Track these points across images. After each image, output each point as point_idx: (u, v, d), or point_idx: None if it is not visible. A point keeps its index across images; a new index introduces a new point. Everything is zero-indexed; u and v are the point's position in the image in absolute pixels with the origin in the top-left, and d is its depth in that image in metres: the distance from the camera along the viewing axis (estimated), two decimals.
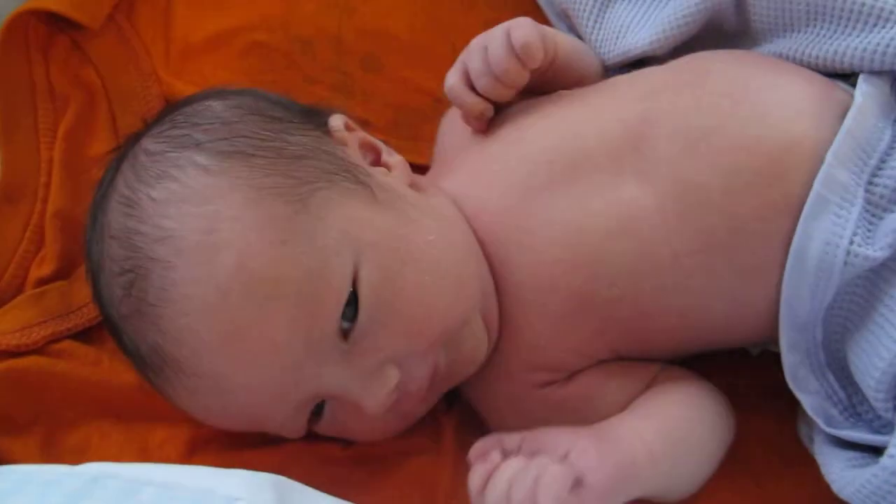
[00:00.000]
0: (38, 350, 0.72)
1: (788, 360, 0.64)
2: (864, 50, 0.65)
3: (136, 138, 0.65)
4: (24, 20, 0.81)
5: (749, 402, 0.69)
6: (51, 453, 0.69)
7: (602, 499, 0.56)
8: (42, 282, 0.76)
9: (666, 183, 0.64)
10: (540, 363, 0.66)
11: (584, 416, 0.64)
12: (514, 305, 0.66)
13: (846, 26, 0.66)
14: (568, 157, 0.66)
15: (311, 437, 0.66)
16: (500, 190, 0.67)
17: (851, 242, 0.60)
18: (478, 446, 0.58)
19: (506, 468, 0.56)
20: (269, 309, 0.57)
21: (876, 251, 0.60)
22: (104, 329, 0.73)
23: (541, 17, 0.87)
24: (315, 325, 0.59)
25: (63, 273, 0.77)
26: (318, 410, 0.63)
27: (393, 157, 0.69)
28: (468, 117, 0.71)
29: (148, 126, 0.66)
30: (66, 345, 0.73)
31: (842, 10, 0.66)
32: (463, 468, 0.59)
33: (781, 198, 0.62)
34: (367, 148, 0.69)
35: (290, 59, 0.84)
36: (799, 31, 0.69)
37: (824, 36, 0.67)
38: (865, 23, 0.65)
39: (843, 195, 0.61)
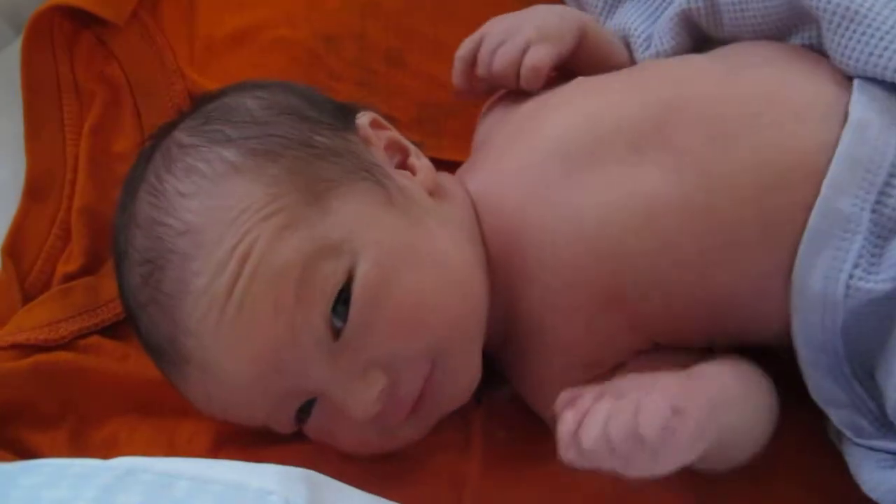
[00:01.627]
0: (65, 345, 0.72)
1: (811, 377, 0.62)
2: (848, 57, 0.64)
3: (170, 128, 0.66)
4: (49, 16, 0.82)
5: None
6: (79, 448, 0.69)
7: (701, 425, 0.53)
8: (69, 277, 0.77)
9: (692, 174, 0.62)
10: (576, 362, 0.65)
11: None
12: (540, 308, 0.65)
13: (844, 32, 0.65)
14: (585, 146, 0.65)
15: None
16: (516, 187, 0.67)
17: (851, 276, 0.59)
18: (564, 396, 0.56)
19: (599, 407, 0.53)
20: (258, 291, 0.58)
21: (878, 284, 0.59)
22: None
23: None
24: (299, 312, 0.59)
25: (90, 268, 0.77)
26: (307, 408, 0.63)
27: (420, 161, 0.69)
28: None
29: (182, 116, 0.66)
30: (94, 340, 0.73)
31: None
32: (491, 463, 0.59)
33: (807, 198, 0.61)
34: (394, 148, 0.68)
35: (313, 55, 0.84)
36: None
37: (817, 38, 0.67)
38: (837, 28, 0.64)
39: (844, 227, 0.60)
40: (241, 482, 0.45)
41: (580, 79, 0.72)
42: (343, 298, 0.59)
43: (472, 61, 0.74)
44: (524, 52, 0.72)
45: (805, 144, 0.62)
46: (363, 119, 0.68)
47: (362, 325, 0.60)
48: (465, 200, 0.68)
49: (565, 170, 0.65)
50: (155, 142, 0.66)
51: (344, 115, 0.68)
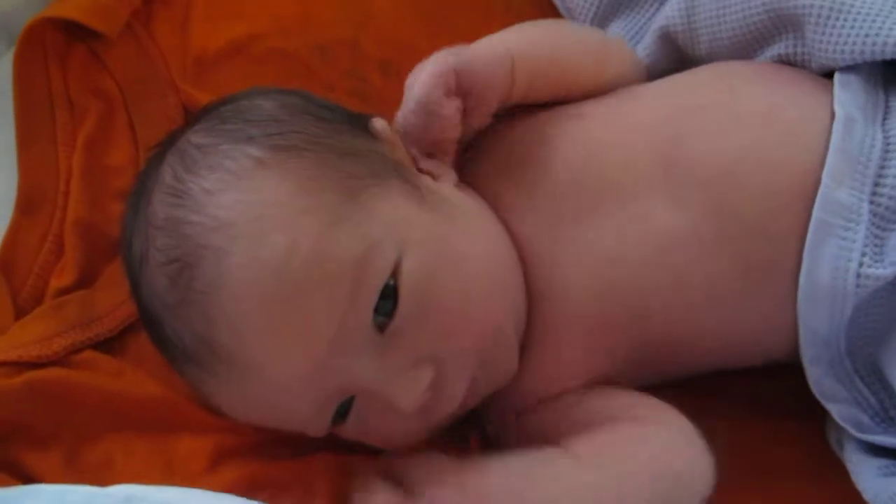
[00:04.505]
0: (58, 361, 0.71)
1: (812, 373, 0.63)
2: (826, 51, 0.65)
3: (178, 134, 0.65)
4: (42, 29, 0.81)
5: (775, 408, 0.69)
6: (74, 467, 0.68)
7: None
8: (62, 292, 0.76)
9: (701, 209, 0.63)
10: (545, 384, 0.66)
11: (556, 437, 0.64)
12: (535, 330, 0.66)
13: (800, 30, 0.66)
14: (596, 187, 0.66)
15: (337, 448, 0.66)
16: (526, 220, 0.67)
17: (861, 265, 0.60)
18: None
19: None
20: (312, 290, 0.58)
21: (886, 269, 0.60)
22: (126, 338, 0.74)
23: None
24: (351, 310, 0.58)
25: (83, 283, 0.76)
26: (342, 411, 0.63)
27: (431, 164, 0.68)
28: None
29: (191, 122, 0.66)
30: (88, 355, 0.72)
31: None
32: None
33: (807, 209, 0.61)
34: (408, 155, 0.68)
35: (307, 65, 0.84)
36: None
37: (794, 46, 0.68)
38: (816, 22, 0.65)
39: (846, 216, 0.61)
40: None
41: (583, 110, 0.71)
42: (385, 294, 0.59)
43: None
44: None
45: (802, 156, 0.63)
46: (382, 123, 0.68)
47: (409, 321, 0.60)
48: (482, 201, 0.68)
49: (577, 210, 0.66)
50: (165, 146, 0.65)
51: (355, 122, 0.68)
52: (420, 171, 0.67)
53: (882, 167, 0.61)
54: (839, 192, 0.61)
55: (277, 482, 0.65)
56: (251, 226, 0.58)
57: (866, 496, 0.61)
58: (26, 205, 0.79)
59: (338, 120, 0.66)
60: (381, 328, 0.60)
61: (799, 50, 0.68)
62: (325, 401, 0.62)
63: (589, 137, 0.69)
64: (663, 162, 0.65)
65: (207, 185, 0.60)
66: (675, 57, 0.76)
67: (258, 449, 0.67)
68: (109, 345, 0.74)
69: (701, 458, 0.63)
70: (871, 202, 0.61)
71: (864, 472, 0.62)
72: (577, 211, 0.66)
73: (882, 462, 0.61)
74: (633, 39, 0.78)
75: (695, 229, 0.63)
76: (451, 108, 0.65)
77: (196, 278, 0.59)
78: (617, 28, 0.79)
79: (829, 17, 0.65)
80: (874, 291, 0.60)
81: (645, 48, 0.77)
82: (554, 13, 0.86)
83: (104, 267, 0.77)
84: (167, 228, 0.61)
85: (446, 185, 0.67)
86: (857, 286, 0.60)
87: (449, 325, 0.60)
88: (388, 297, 0.59)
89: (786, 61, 0.70)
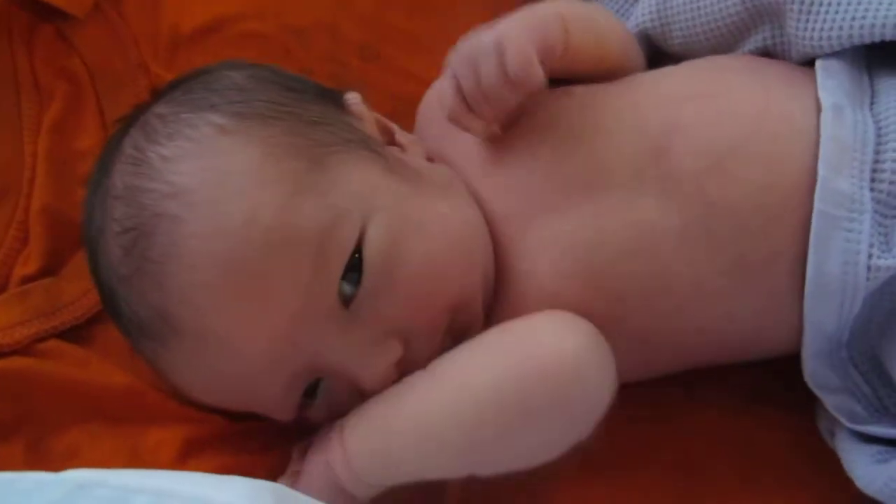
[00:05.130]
0: (22, 350, 0.70)
1: (808, 363, 0.62)
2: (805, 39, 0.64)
3: (144, 108, 0.64)
4: (6, 9, 0.79)
5: (765, 398, 0.69)
6: (37, 458, 0.67)
7: None
8: (27, 279, 0.74)
9: (691, 204, 0.62)
10: None
11: None
12: (510, 308, 0.64)
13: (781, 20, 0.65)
14: (581, 171, 0.64)
15: (308, 436, 0.64)
16: (505, 199, 0.66)
17: (870, 256, 0.59)
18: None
19: None
20: (274, 261, 0.57)
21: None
22: (93, 327, 0.72)
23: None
24: (316, 281, 0.58)
25: (49, 270, 0.74)
26: (310, 391, 0.62)
27: (406, 137, 0.68)
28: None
29: (157, 96, 0.65)
30: (53, 344, 0.71)
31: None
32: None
33: (806, 215, 0.60)
34: (381, 129, 0.68)
35: (284, 48, 0.82)
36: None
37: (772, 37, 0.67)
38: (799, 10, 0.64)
39: (849, 206, 0.59)
40: (206, 496, 0.42)
41: (577, 92, 0.69)
42: (350, 266, 0.58)
43: (467, 107, 0.64)
44: (502, 56, 0.61)
45: (797, 148, 0.61)
46: (353, 97, 0.67)
47: (375, 293, 0.59)
48: (449, 169, 0.67)
49: (558, 191, 0.64)
50: (129, 121, 0.64)
51: (329, 95, 0.67)
52: (392, 144, 0.67)
53: (878, 152, 0.60)
54: (838, 181, 0.59)
55: (247, 474, 0.62)
56: (210, 192, 0.57)
57: (859, 483, 0.60)
58: None
59: (307, 91, 0.65)
60: (346, 303, 0.59)
61: (777, 41, 0.68)
62: (291, 381, 0.60)
63: (580, 121, 0.67)
64: (654, 151, 0.63)
65: (166, 153, 0.59)
66: (653, 53, 0.75)
67: (227, 440, 0.66)
68: (75, 334, 0.72)
69: (580, 347, 0.59)
70: (872, 189, 0.60)
71: (857, 460, 0.61)
72: (559, 193, 0.64)
73: (875, 449, 0.61)
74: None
75: (682, 222, 0.62)
76: (542, 78, 0.61)
77: (151, 247, 0.58)
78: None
79: (811, 4, 0.64)
80: (882, 283, 0.59)
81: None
82: None
83: (71, 255, 0.75)
84: (125, 197, 0.60)
85: (416, 157, 0.66)
86: (868, 279, 0.59)
87: (415, 296, 0.60)
88: (354, 269, 0.58)
89: (762, 53, 0.69)
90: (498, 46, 0.60)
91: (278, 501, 0.44)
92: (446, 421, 0.58)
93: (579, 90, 0.69)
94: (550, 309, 0.62)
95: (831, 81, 0.63)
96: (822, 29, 0.64)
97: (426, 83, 0.80)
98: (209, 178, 0.58)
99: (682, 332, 0.63)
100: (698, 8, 0.69)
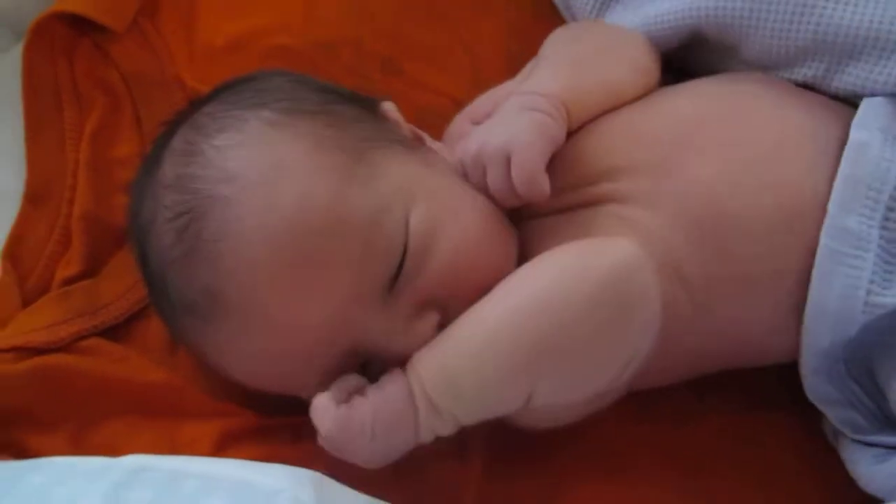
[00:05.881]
0: (65, 347, 0.72)
1: (808, 379, 0.64)
2: (876, 81, 0.66)
3: (190, 111, 0.66)
4: (50, 23, 0.82)
5: (771, 401, 0.70)
6: (79, 450, 0.69)
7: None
8: (68, 282, 0.77)
9: (698, 214, 0.64)
10: None
11: None
12: None
13: (850, 60, 0.67)
14: (602, 168, 0.66)
15: None
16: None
17: (868, 293, 0.61)
18: None
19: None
20: (326, 244, 0.59)
21: (894, 298, 0.61)
22: (131, 326, 0.74)
23: (558, 20, 0.89)
24: (367, 267, 0.60)
25: (89, 273, 0.77)
26: None
27: (436, 145, 0.71)
28: None
29: (202, 100, 0.67)
30: (93, 342, 0.73)
31: (846, 41, 0.66)
32: (491, 469, 0.61)
33: (814, 227, 0.63)
34: (413, 135, 0.70)
35: (311, 62, 0.85)
36: (795, 67, 0.70)
37: (822, 76, 0.68)
38: (878, 55, 0.66)
39: (855, 244, 0.61)
40: (250, 480, 0.45)
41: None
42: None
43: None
44: (508, 167, 0.63)
45: (807, 181, 0.63)
46: (389, 105, 0.70)
47: (416, 273, 0.61)
48: None
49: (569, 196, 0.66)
50: (173, 125, 0.66)
51: (364, 101, 0.69)
52: (423, 146, 0.69)
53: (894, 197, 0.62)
54: (847, 219, 0.61)
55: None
56: (263, 176, 0.59)
57: (860, 483, 0.62)
58: (34, 197, 0.80)
59: (345, 95, 0.68)
60: (390, 284, 0.61)
61: (825, 74, 0.69)
62: (337, 361, 0.62)
63: (594, 129, 0.69)
64: (668, 168, 0.65)
65: (217, 143, 0.61)
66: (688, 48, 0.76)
67: (260, 434, 0.68)
68: (115, 332, 0.75)
69: (636, 256, 0.60)
70: (883, 227, 0.62)
71: (859, 461, 0.63)
72: (570, 199, 0.67)
73: (876, 451, 0.63)
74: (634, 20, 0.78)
75: (698, 234, 0.63)
76: (546, 191, 0.63)
77: (204, 228, 0.59)
78: (619, 11, 0.79)
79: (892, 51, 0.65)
80: (879, 316, 0.61)
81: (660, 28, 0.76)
82: (551, 7, 0.87)
83: (109, 257, 0.78)
84: (176, 186, 0.61)
85: (446, 160, 0.69)
86: (864, 312, 0.61)
87: (452, 274, 0.61)
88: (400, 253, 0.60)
89: (802, 84, 0.70)
90: (506, 157, 0.63)
91: (317, 487, 0.47)
92: (507, 323, 0.59)
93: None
94: None
95: (868, 116, 0.65)
96: (867, 76, 0.66)
97: (446, 96, 0.83)
98: (262, 164, 0.59)
99: (700, 339, 0.65)
100: (792, 22, 0.69)
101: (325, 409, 0.59)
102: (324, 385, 0.62)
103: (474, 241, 0.62)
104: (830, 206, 0.62)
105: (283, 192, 0.59)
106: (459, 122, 0.77)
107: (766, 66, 0.71)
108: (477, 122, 0.74)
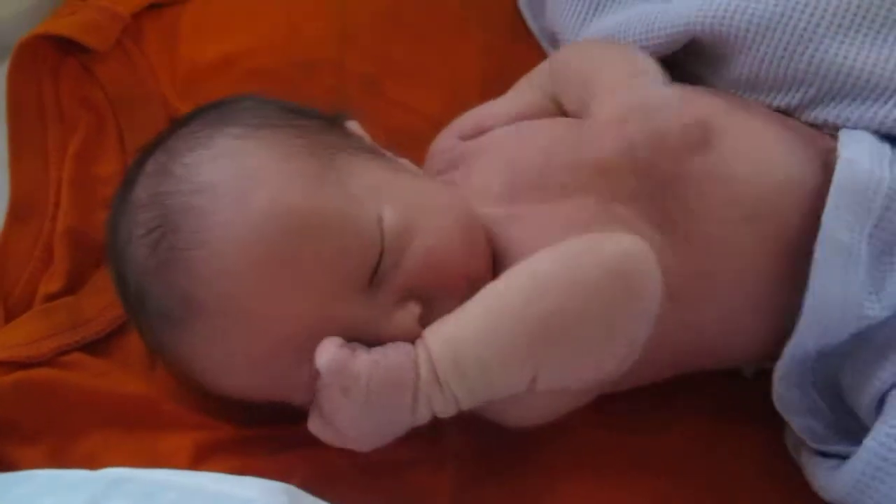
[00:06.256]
0: (47, 362, 0.73)
1: (778, 388, 0.66)
2: (860, 119, 0.68)
3: (163, 137, 0.67)
4: (35, 44, 0.84)
5: (737, 414, 0.72)
6: (60, 462, 0.69)
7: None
8: (51, 297, 0.78)
9: (687, 225, 0.65)
10: None
11: None
12: None
13: (835, 96, 0.69)
14: (582, 175, 0.67)
15: (315, 444, 0.66)
16: (507, 197, 0.69)
17: (861, 305, 0.63)
18: None
19: None
20: (302, 245, 0.60)
21: (882, 311, 0.63)
22: (112, 341, 0.75)
23: (534, 42, 0.91)
24: (343, 265, 0.61)
25: (71, 288, 0.78)
26: None
27: (400, 160, 0.72)
28: None
29: (174, 125, 0.69)
30: (75, 356, 0.74)
31: (837, 77, 0.68)
32: (464, 477, 0.61)
33: (788, 246, 0.65)
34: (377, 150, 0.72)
35: (293, 82, 0.87)
36: (788, 92, 0.71)
37: (807, 105, 0.70)
38: (864, 96, 0.68)
39: (847, 257, 0.63)
40: (227, 492, 0.46)
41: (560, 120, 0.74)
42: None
43: None
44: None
45: (795, 187, 0.66)
46: (353, 124, 0.72)
47: (394, 270, 0.62)
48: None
49: (550, 191, 0.68)
50: (148, 149, 0.67)
51: (327, 118, 0.71)
52: None
53: (887, 207, 0.64)
54: (840, 233, 0.63)
55: (257, 476, 0.67)
56: (234, 184, 0.60)
57: (820, 492, 0.65)
58: (18, 213, 0.81)
59: (311, 114, 0.69)
60: (370, 280, 0.62)
61: (808, 104, 0.71)
62: None
63: (580, 139, 0.71)
64: (661, 182, 0.66)
65: (187, 161, 0.62)
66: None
67: (238, 445, 0.69)
68: (96, 347, 0.76)
69: (641, 245, 0.62)
70: (870, 242, 0.64)
71: (817, 472, 0.66)
72: (550, 196, 0.68)
73: (832, 462, 0.65)
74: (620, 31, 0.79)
75: (676, 242, 0.65)
76: None
77: (178, 238, 0.60)
78: (605, 21, 0.81)
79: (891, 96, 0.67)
80: (864, 328, 0.64)
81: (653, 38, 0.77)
82: (526, 31, 0.89)
83: (91, 273, 0.79)
84: (149, 204, 0.62)
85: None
86: (858, 324, 0.64)
87: (430, 264, 0.62)
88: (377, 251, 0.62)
89: (777, 109, 0.72)
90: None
91: (291, 499, 0.48)
92: (515, 303, 0.60)
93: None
94: None
95: (852, 140, 0.67)
96: (885, 116, 0.67)
97: (424, 116, 0.86)
98: (232, 173, 0.61)
99: (667, 336, 0.65)
100: (779, 45, 0.70)
101: (326, 348, 0.59)
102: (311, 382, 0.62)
103: (448, 236, 0.64)
104: (824, 220, 0.63)
105: (254, 197, 0.60)
106: (446, 137, 0.78)
107: (752, 87, 0.73)
108: (465, 138, 0.76)
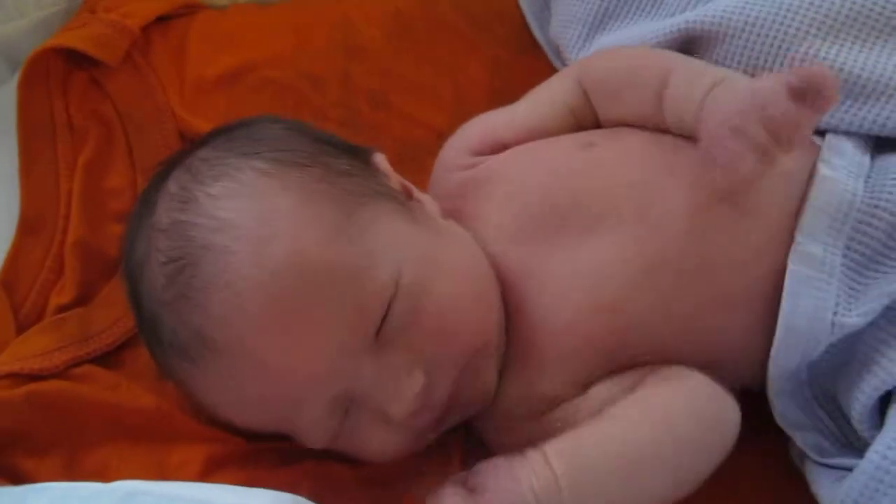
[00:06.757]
0: (58, 374, 0.74)
1: (777, 404, 0.67)
2: (841, 120, 0.69)
3: (185, 153, 0.68)
4: (45, 57, 0.84)
5: (746, 423, 0.70)
6: (72, 474, 0.70)
7: None
8: (61, 309, 0.78)
9: (687, 240, 0.66)
10: (536, 396, 0.68)
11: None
12: (524, 345, 0.68)
13: None
14: (595, 209, 0.68)
15: (322, 456, 0.68)
16: (524, 234, 0.70)
17: (835, 314, 0.64)
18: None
19: None
20: (318, 296, 0.60)
21: (859, 318, 0.63)
22: (123, 353, 0.76)
23: (540, 54, 0.91)
24: (358, 318, 0.61)
25: (82, 300, 0.79)
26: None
27: (423, 196, 0.72)
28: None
29: (197, 144, 0.69)
30: (86, 369, 0.75)
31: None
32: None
33: (781, 255, 0.65)
34: (402, 187, 0.72)
35: (300, 95, 0.87)
36: None
37: None
38: (854, 97, 0.69)
39: (819, 269, 0.64)
40: None
41: (583, 138, 0.74)
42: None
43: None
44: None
45: (775, 210, 0.66)
46: (380, 157, 0.72)
47: (406, 326, 0.62)
48: (464, 230, 0.71)
49: (577, 226, 0.68)
50: (169, 165, 0.68)
51: (355, 152, 0.71)
52: (410, 199, 0.70)
53: (859, 221, 0.65)
54: (812, 246, 0.64)
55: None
56: (256, 228, 0.61)
57: (822, 502, 0.65)
58: (28, 226, 0.82)
59: (338, 145, 0.69)
60: (376, 336, 0.62)
61: None
62: (331, 406, 0.64)
63: (594, 165, 0.71)
64: (648, 195, 0.68)
65: (212, 191, 0.62)
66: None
67: (246, 458, 0.69)
68: (106, 359, 0.76)
69: (727, 402, 0.65)
70: (845, 255, 0.65)
71: (822, 483, 0.66)
72: (577, 230, 0.68)
73: (836, 473, 0.65)
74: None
75: (681, 258, 0.66)
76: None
77: (196, 276, 0.61)
78: (607, 39, 0.82)
79: (879, 97, 0.69)
80: (844, 337, 0.64)
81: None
82: (534, 45, 0.90)
83: (101, 286, 0.80)
84: (170, 231, 0.63)
85: (433, 213, 0.70)
86: (832, 333, 0.64)
87: (441, 331, 0.63)
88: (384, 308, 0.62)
89: None
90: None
91: None
92: (651, 455, 0.62)
93: (596, 138, 0.74)
94: (565, 346, 0.67)
95: (834, 155, 0.67)
96: (864, 118, 0.69)
97: (431, 128, 0.86)
98: (254, 216, 0.61)
99: (678, 360, 0.67)
100: (765, 43, 0.72)
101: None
102: (318, 425, 0.64)
103: (461, 305, 0.64)
104: (797, 236, 0.65)
105: (273, 245, 0.60)
106: (455, 150, 0.78)
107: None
108: (476, 152, 0.76)
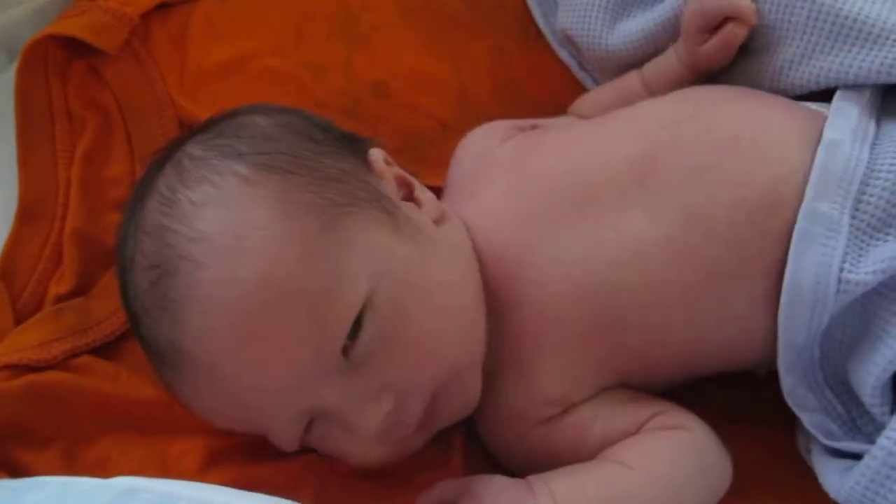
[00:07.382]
0: (57, 365, 0.74)
1: (786, 381, 0.67)
2: (850, 67, 0.69)
3: (180, 143, 0.67)
4: (44, 45, 0.84)
5: (750, 417, 0.72)
6: (71, 466, 0.70)
7: None
8: (60, 298, 0.78)
9: (672, 215, 0.66)
10: (541, 398, 0.68)
11: (576, 453, 0.67)
12: (518, 343, 0.68)
13: (835, 44, 0.70)
14: (577, 193, 0.69)
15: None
16: (508, 223, 0.70)
17: (842, 270, 0.63)
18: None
19: None
20: (284, 318, 0.60)
21: (867, 275, 0.63)
22: (122, 343, 0.76)
23: (544, 42, 0.91)
24: (325, 341, 0.61)
25: (81, 290, 0.79)
26: (308, 426, 0.65)
27: (424, 195, 0.71)
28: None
29: (193, 132, 0.68)
30: (85, 360, 0.75)
31: (834, 24, 0.70)
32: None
33: (779, 229, 0.65)
34: (401, 183, 0.71)
35: (301, 83, 0.87)
36: (785, 46, 0.73)
37: (808, 55, 0.71)
38: (862, 41, 0.69)
39: (827, 226, 0.64)
40: None
41: (572, 124, 0.75)
42: (354, 322, 0.62)
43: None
44: None
45: (771, 177, 0.66)
46: (377, 154, 0.70)
47: (377, 351, 0.62)
48: (461, 226, 0.71)
49: (559, 213, 0.69)
50: (165, 154, 0.67)
51: (349, 144, 0.70)
52: (409, 199, 0.70)
53: (866, 184, 0.65)
54: (821, 204, 0.64)
55: (266, 482, 0.67)
56: (229, 243, 0.61)
57: (831, 492, 0.65)
58: (26, 215, 0.81)
59: (330, 142, 0.68)
60: (345, 352, 0.62)
61: (809, 54, 0.72)
62: (295, 418, 0.64)
63: (576, 148, 0.72)
64: (639, 175, 0.68)
65: (193, 197, 0.62)
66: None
67: (247, 450, 0.69)
68: (106, 350, 0.76)
69: (724, 455, 0.68)
70: (853, 216, 0.64)
71: (830, 473, 0.65)
72: (559, 216, 0.69)
73: (843, 463, 0.65)
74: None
75: (667, 235, 0.66)
76: None
77: (172, 287, 0.61)
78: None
79: (885, 42, 0.69)
80: (851, 302, 0.64)
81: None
82: (538, 35, 0.89)
83: (101, 275, 0.79)
84: (153, 234, 0.63)
85: (428, 218, 0.69)
86: (838, 291, 0.63)
87: (416, 360, 0.63)
88: (357, 324, 0.62)
89: (782, 64, 0.73)
90: None
91: None
92: None
93: (575, 123, 0.75)
94: (560, 336, 0.67)
95: (840, 119, 0.68)
96: (872, 62, 0.68)
97: (433, 118, 0.85)
98: (229, 229, 0.61)
99: (677, 345, 0.67)
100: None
101: None
102: (287, 433, 0.65)
103: (439, 330, 0.64)
104: (808, 191, 0.65)
105: (244, 263, 0.60)
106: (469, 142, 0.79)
107: (757, 38, 0.74)
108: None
